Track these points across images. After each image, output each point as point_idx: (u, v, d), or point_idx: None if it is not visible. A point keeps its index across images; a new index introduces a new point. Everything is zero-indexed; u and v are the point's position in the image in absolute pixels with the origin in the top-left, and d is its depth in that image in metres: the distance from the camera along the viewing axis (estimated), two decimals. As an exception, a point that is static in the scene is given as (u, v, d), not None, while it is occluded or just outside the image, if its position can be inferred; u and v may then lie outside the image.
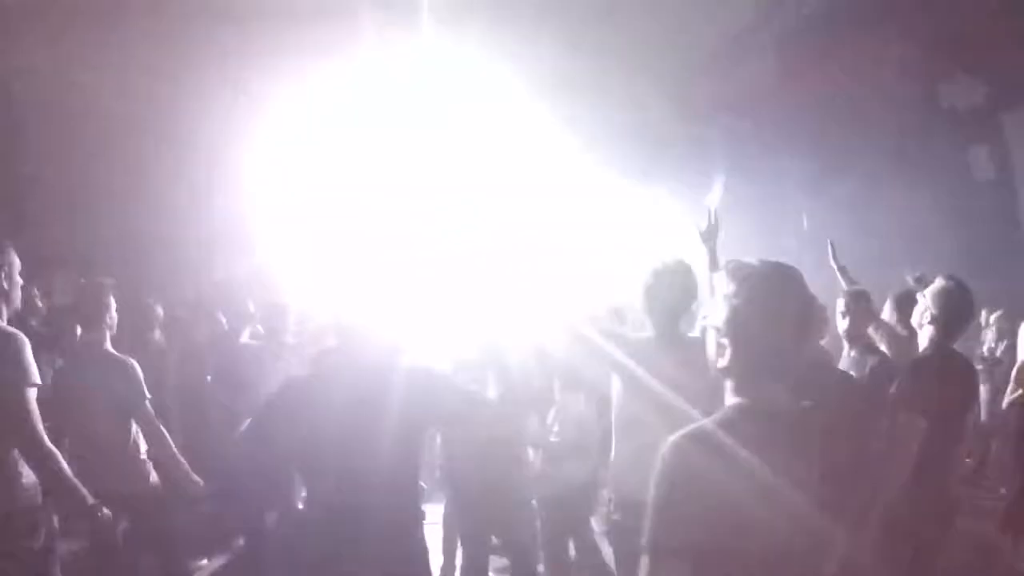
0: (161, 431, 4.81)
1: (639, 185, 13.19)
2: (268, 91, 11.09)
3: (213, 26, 10.04)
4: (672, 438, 1.95)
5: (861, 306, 5.30)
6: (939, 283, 4.06)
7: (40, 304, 6.47)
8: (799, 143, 13.32)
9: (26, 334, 5.74)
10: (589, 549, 5.43)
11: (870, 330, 5.38)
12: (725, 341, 2.04)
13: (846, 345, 5.33)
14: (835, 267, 5.93)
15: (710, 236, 4.34)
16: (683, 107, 12.24)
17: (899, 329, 5.36)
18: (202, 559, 6.19)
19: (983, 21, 8.74)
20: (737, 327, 2.03)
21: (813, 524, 1.91)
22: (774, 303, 1.99)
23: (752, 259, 2.09)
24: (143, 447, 4.79)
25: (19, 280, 2.09)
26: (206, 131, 10.87)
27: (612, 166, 12.97)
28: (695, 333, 3.80)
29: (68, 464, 4.25)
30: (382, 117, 10.96)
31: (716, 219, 4.37)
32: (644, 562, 1.90)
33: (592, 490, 5.32)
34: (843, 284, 5.81)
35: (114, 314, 4.83)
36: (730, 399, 2.06)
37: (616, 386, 3.77)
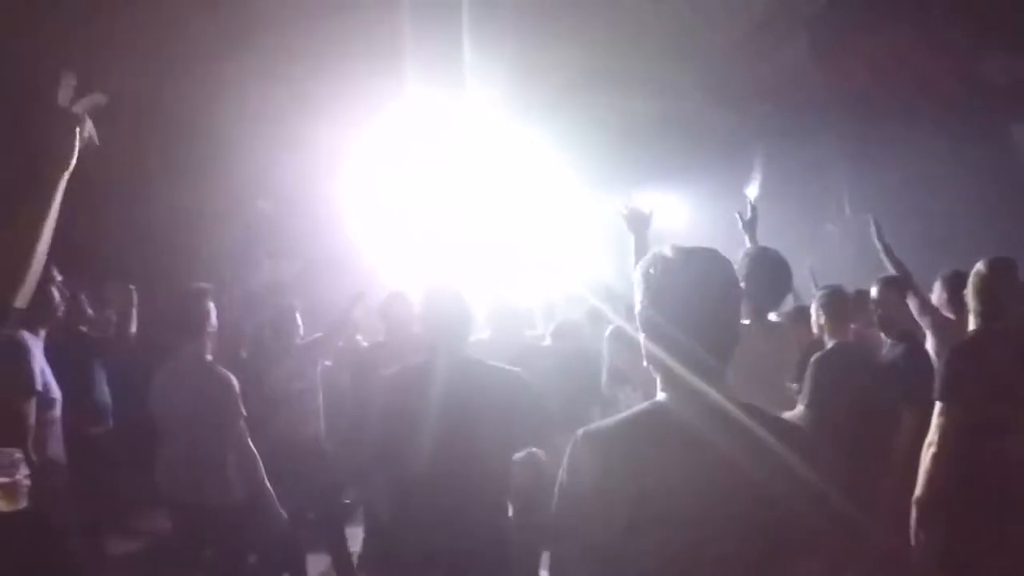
0: (252, 451, 4.72)
1: (676, 177, 13.16)
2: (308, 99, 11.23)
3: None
4: (582, 431, 1.85)
5: (892, 293, 5.22)
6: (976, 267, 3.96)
7: (90, 311, 6.57)
8: (837, 127, 13.17)
9: (76, 340, 6.00)
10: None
11: (916, 316, 5.29)
12: (641, 336, 1.95)
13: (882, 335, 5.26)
14: (879, 247, 5.85)
15: (751, 225, 4.47)
16: (718, 95, 12.14)
17: (948, 312, 5.26)
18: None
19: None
20: (645, 320, 1.93)
21: (747, 529, 1.74)
22: (681, 292, 1.86)
23: (666, 247, 1.96)
24: (232, 460, 4.70)
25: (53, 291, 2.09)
26: (243, 132, 11.00)
27: (647, 159, 12.96)
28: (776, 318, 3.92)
29: (162, 473, 4.58)
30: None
31: (755, 209, 4.49)
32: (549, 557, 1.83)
33: None
34: (888, 266, 5.70)
35: (214, 322, 4.78)
36: (659, 394, 1.94)
37: None
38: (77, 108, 2.13)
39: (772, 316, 4.03)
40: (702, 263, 1.88)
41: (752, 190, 12.95)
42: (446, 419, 3.15)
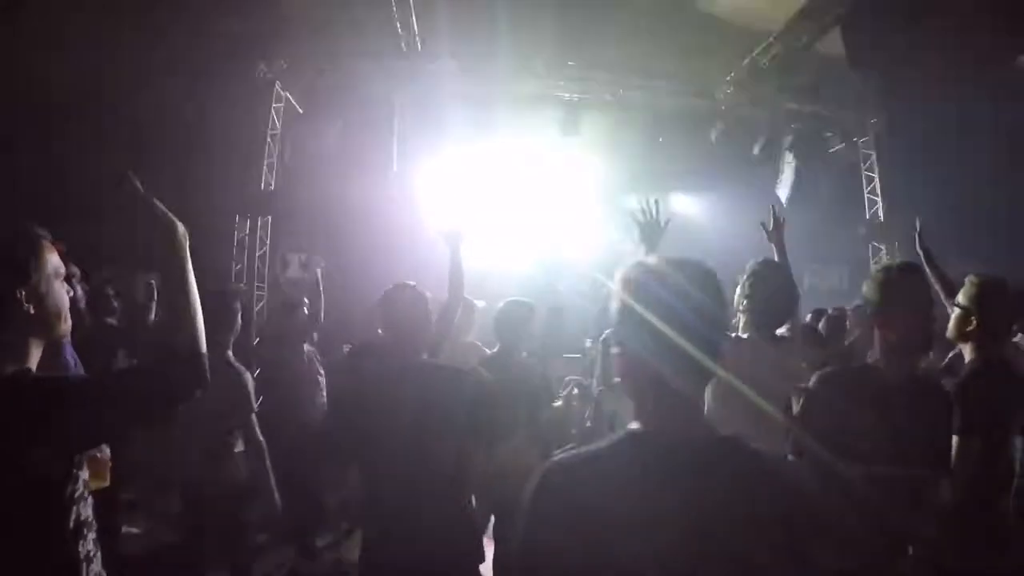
0: (262, 444, 4.94)
1: (706, 177, 13.06)
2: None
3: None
4: (549, 462, 1.73)
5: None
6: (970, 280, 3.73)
7: (115, 303, 6.70)
8: (871, 126, 13.01)
9: (102, 330, 6.13)
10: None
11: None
12: (616, 351, 1.80)
13: None
14: (920, 252, 5.26)
15: (776, 233, 4.32)
16: (750, 93, 12.04)
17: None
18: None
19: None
20: (619, 336, 1.78)
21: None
22: (654, 309, 1.70)
23: (648, 258, 1.82)
24: (241, 449, 4.94)
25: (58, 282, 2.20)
26: (253, 126, 11.11)
27: (677, 157, 12.88)
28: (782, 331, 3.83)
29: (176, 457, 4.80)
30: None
31: (781, 216, 4.32)
32: None
33: None
34: (928, 274, 5.37)
35: (240, 321, 5.02)
36: (633, 423, 1.78)
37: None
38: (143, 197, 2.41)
39: (782, 330, 3.85)
40: (681, 276, 1.73)
41: (783, 190, 12.82)
42: (401, 420, 3.25)
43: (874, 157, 13.31)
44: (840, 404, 2.92)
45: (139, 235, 2.29)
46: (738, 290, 3.80)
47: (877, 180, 13.33)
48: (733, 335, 3.73)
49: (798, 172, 12.87)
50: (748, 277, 3.76)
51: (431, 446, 3.25)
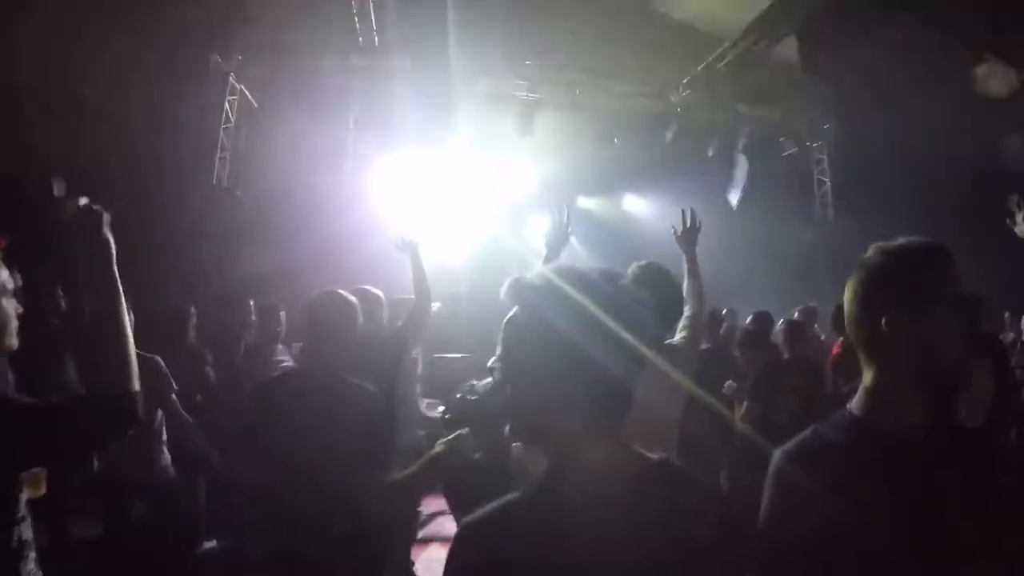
0: (185, 417, 5.15)
1: (658, 179, 13.15)
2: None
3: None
4: (463, 522, 1.54)
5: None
6: None
7: (63, 304, 6.46)
8: (823, 131, 13.21)
9: (48, 334, 5.95)
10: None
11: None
12: (502, 379, 1.56)
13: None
14: None
15: (689, 239, 4.00)
16: (704, 96, 12.15)
17: None
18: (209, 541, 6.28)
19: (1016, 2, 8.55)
20: (511, 364, 1.55)
21: None
22: (559, 327, 1.45)
23: (545, 269, 1.55)
24: (164, 436, 5.14)
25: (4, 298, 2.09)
26: (205, 119, 10.98)
27: (631, 158, 12.95)
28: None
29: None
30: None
31: (695, 221, 4.03)
32: None
33: None
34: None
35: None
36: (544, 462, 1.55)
37: None
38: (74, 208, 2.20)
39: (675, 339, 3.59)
40: (570, 289, 1.49)
41: (735, 193, 12.98)
42: (289, 433, 3.14)
43: (826, 162, 13.53)
44: (831, 499, 1.68)
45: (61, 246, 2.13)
46: None
47: (828, 185, 13.55)
48: None
49: (750, 175, 13.03)
50: (628, 283, 3.58)
51: (315, 472, 3.08)
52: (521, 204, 13.42)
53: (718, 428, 5.21)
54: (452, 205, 12.25)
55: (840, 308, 5.66)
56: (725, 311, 8.31)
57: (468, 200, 12.50)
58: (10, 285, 2.16)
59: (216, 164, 11.06)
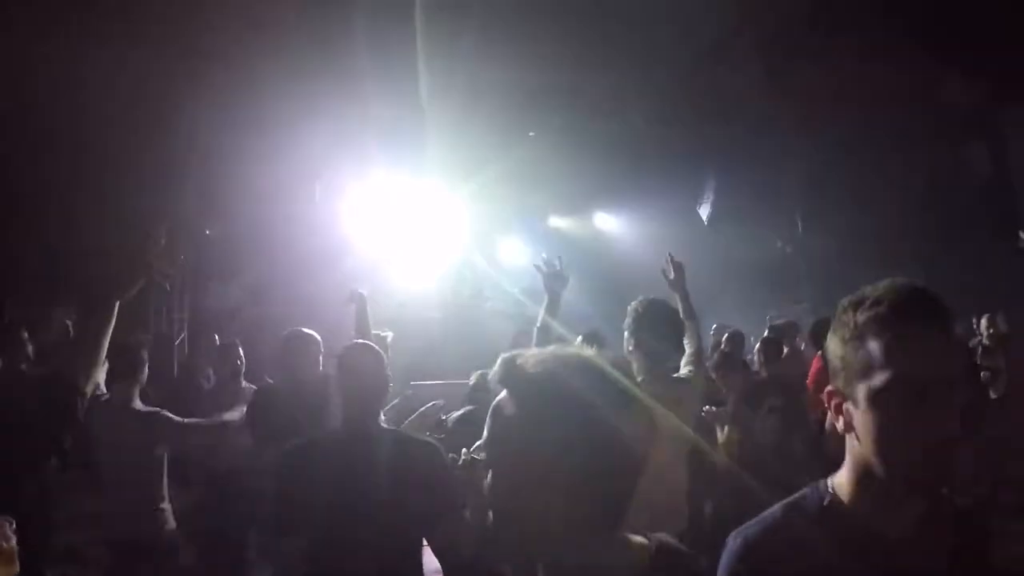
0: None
1: (627, 198, 13.18)
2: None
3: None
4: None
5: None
6: None
7: (29, 347, 6.29)
8: (790, 147, 13.28)
9: (16, 378, 5.80)
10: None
11: None
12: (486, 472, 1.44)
13: None
14: None
15: (677, 283, 4.23)
16: (668, 115, 12.18)
17: None
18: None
19: (980, 16, 8.64)
20: (492, 458, 1.42)
21: None
22: (552, 433, 1.29)
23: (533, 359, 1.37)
24: (167, 496, 4.95)
25: None
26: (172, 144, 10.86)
27: (595, 180, 12.96)
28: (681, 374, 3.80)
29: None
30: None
31: (679, 265, 4.23)
32: None
33: None
34: None
35: (146, 371, 5.04)
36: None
37: None
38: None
39: (682, 372, 3.88)
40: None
41: (704, 209, 13.01)
42: (346, 497, 2.97)
43: (793, 175, 13.62)
44: None
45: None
46: (625, 333, 3.75)
47: (796, 198, 13.64)
48: None
49: (719, 191, 13.08)
50: (633, 319, 3.71)
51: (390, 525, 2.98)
52: (492, 227, 13.39)
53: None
54: (423, 229, 12.20)
55: (819, 322, 5.70)
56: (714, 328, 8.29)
57: (439, 224, 12.45)
58: None
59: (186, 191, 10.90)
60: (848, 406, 1.46)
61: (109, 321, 2.97)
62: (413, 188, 11.94)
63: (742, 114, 11.97)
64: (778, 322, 7.80)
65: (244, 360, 6.50)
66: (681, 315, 4.00)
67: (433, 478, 3.04)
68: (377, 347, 3.42)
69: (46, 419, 4.36)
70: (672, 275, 4.22)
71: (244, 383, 6.40)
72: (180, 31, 9.10)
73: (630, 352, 3.70)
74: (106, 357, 4.88)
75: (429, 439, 3.35)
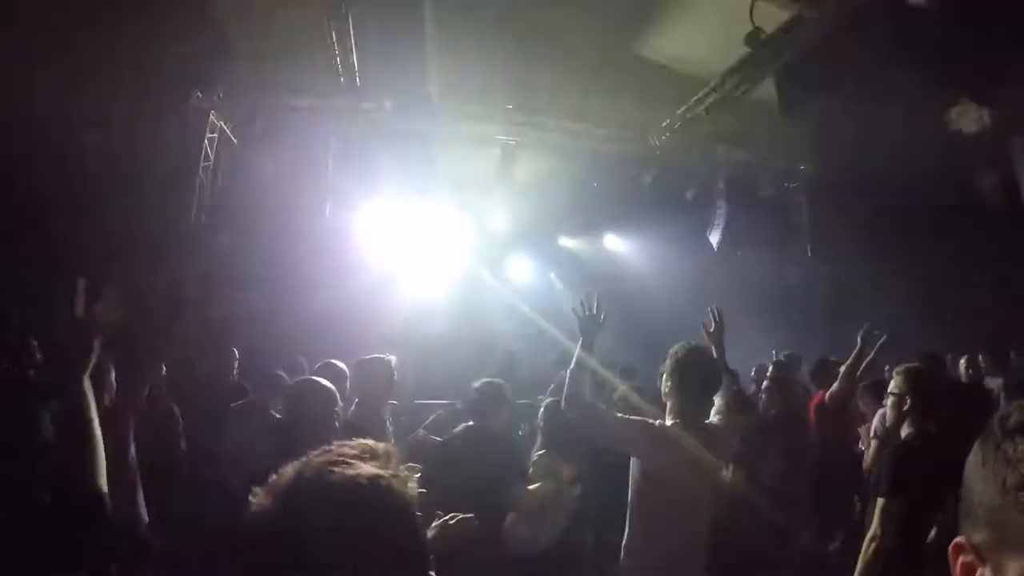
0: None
1: (639, 221, 13.19)
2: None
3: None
4: None
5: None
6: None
7: (38, 356, 6.32)
8: (803, 174, 13.33)
9: (25, 385, 5.80)
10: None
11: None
12: None
13: None
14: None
15: (716, 334, 4.25)
16: (683, 139, 12.23)
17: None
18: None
19: (991, 44, 8.65)
20: None
21: None
22: None
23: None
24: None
25: None
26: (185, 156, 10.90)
27: (611, 199, 13.00)
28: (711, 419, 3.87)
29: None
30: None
31: (721, 316, 4.27)
32: None
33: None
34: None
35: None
36: None
37: (638, 465, 3.74)
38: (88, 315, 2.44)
39: (714, 416, 3.93)
40: None
41: (714, 235, 13.02)
42: None
43: (804, 202, 13.66)
44: None
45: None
46: (663, 376, 3.84)
47: (805, 224, 13.66)
48: (658, 422, 3.74)
49: (729, 216, 13.09)
50: (672, 364, 3.78)
51: None
52: (501, 244, 13.39)
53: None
54: (432, 245, 12.23)
55: (822, 362, 5.71)
56: None
57: (448, 240, 12.48)
58: None
59: (194, 204, 10.93)
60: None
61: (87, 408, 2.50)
62: (423, 202, 11.98)
63: (754, 138, 12.03)
64: (782, 358, 7.66)
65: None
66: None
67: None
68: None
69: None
70: (712, 328, 4.24)
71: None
72: (192, 36, 9.16)
73: (665, 395, 3.81)
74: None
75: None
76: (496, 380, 5.30)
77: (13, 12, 8.03)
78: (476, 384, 5.23)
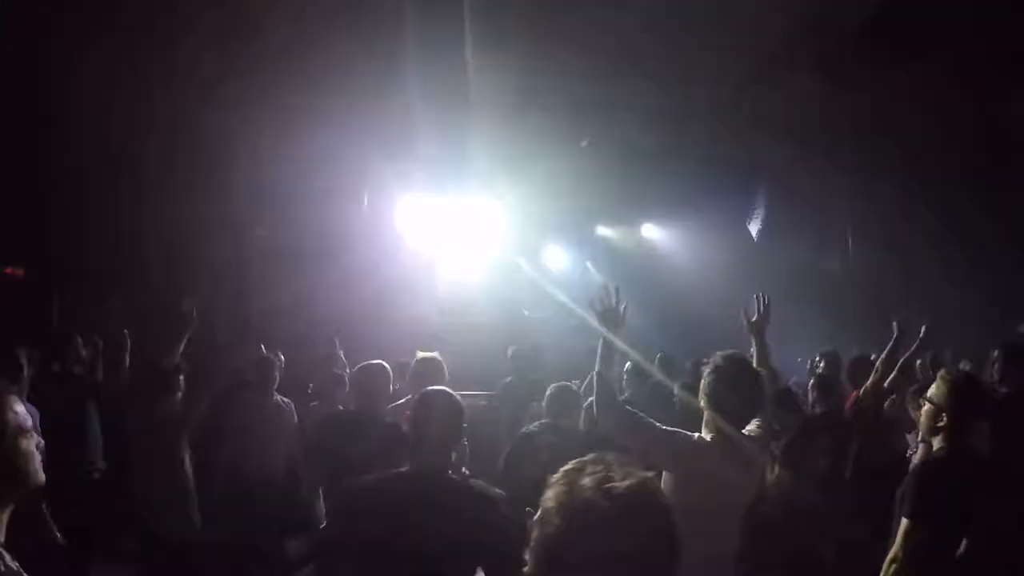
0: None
1: (679, 210, 13.08)
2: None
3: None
4: None
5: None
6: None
7: (83, 352, 6.41)
8: (844, 165, 13.10)
9: (70, 383, 5.96)
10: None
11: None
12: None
13: None
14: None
15: (760, 327, 4.07)
16: (723, 129, 12.07)
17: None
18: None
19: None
20: None
21: None
22: None
23: None
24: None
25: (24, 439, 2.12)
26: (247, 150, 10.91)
27: (650, 192, 12.89)
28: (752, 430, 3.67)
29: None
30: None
31: (767, 307, 4.06)
32: None
33: None
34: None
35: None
36: None
37: (669, 478, 3.44)
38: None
39: (751, 427, 3.70)
40: None
41: (754, 224, 12.88)
42: (408, 540, 2.91)
43: (845, 194, 13.44)
44: None
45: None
46: (702, 385, 3.63)
47: (848, 217, 13.45)
48: (696, 436, 3.56)
49: (770, 205, 12.95)
50: (711, 374, 3.57)
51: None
52: (538, 233, 13.37)
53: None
54: (469, 234, 12.23)
55: (856, 360, 5.51)
56: None
57: (485, 230, 12.47)
58: (28, 423, 2.12)
59: (233, 196, 10.99)
60: None
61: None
62: (459, 194, 11.97)
63: (797, 128, 11.85)
64: (826, 355, 7.44)
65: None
66: (755, 362, 3.87)
67: (485, 534, 2.96)
68: (454, 394, 3.34)
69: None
70: (755, 317, 4.06)
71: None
72: (228, 32, 9.18)
73: (703, 404, 3.60)
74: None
75: (495, 493, 3.23)
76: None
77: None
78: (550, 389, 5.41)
